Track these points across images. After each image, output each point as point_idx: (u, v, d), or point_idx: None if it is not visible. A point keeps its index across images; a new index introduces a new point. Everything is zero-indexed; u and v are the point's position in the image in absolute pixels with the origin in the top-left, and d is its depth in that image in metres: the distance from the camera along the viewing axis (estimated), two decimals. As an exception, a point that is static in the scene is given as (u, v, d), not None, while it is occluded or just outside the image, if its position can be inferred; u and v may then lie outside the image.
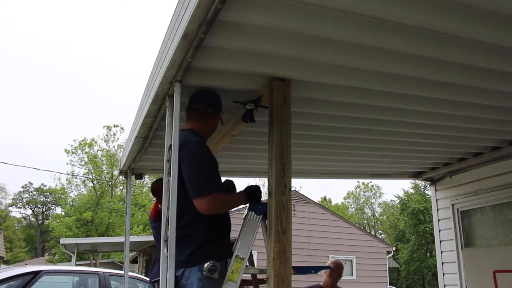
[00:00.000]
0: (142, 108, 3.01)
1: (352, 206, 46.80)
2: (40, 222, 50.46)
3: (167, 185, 2.19)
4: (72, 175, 28.56)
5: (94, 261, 21.23)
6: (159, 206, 3.32)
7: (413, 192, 30.76)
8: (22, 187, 51.03)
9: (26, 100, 71.55)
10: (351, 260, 16.64)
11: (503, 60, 2.35)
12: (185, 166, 2.27)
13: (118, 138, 28.24)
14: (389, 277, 18.13)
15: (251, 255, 2.50)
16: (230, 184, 2.68)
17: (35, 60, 73.69)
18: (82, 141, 27.50)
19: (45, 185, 48.46)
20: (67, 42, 74.10)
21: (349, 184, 54.53)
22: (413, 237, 29.30)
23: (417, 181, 23.15)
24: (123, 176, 4.64)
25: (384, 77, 2.51)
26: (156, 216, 3.28)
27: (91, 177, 27.93)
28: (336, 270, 4.16)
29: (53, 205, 49.80)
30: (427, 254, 28.02)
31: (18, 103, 72.46)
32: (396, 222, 33.75)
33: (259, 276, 2.82)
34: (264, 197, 2.39)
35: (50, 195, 47.98)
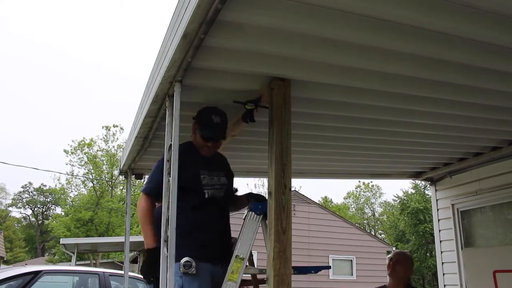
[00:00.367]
0: (142, 108, 3.01)
1: (352, 206, 46.82)
2: (40, 222, 50.45)
3: (167, 185, 2.20)
4: (72, 175, 28.60)
5: (94, 261, 21.22)
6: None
7: (413, 192, 30.75)
8: (22, 187, 51.03)
9: (26, 100, 71.55)
10: (351, 260, 16.64)
11: (503, 60, 2.35)
12: None
13: (117, 138, 28.29)
14: (389, 277, 18.11)
15: (251, 255, 2.51)
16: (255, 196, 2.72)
17: (35, 60, 73.69)
18: (81, 141, 27.52)
19: (45, 185, 48.48)
20: (67, 42, 74.12)
21: (349, 184, 54.53)
22: (413, 237, 29.29)
23: (417, 181, 23.15)
24: (123, 176, 4.64)
25: (384, 77, 2.51)
26: None
27: (91, 177, 27.94)
28: (396, 263, 3.14)
29: (53, 205, 49.85)
30: (427, 254, 28.00)
31: (18, 103, 72.50)
32: (396, 222, 33.74)
33: (259, 276, 2.82)
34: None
35: (50, 195, 47.97)
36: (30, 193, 50.86)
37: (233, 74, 2.44)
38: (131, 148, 3.58)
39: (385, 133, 3.56)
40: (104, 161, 27.98)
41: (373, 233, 38.79)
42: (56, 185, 35.15)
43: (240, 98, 2.56)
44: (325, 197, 44.73)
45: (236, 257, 2.32)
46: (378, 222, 45.64)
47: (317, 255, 15.25)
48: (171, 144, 2.23)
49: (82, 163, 27.54)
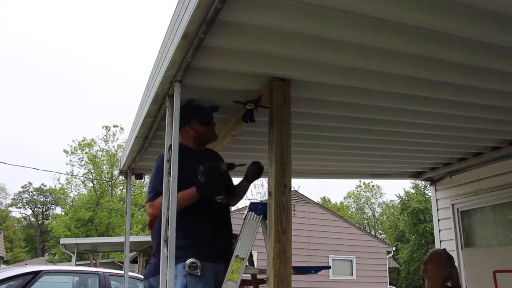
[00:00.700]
0: (142, 108, 3.01)
1: (353, 206, 46.82)
2: (40, 222, 50.46)
3: (167, 185, 2.20)
4: (72, 175, 28.58)
5: (94, 261, 21.22)
6: None
7: (413, 192, 30.76)
8: (22, 187, 51.10)
9: (26, 100, 71.64)
10: (351, 260, 16.64)
11: (503, 60, 2.35)
12: None
13: (117, 138, 28.28)
14: (389, 277, 18.13)
15: (251, 255, 2.51)
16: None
17: (35, 60, 73.77)
18: (82, 141, 27.51)
19: (45, 185, 48.50)
20: (67, 42, 74.21)
21: (349, 184, 54.55)
22: (413, 237, 29.32)
23: (417, 181, 23.15)
24: (123, 176, 4.64)
25: (384, 77, 2.51)
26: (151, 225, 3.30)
27: (91, 177, 27.94)
28: (427, 262, 2.97)
29: (53, 205, 49.85)
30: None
31: (18, 103, 72.55)
32: (396, 222, 33.76)
33: (259, 276, 2.82)
34: (264, 196, 2.40)
35: (50, 195, 47.97)
36: (30, 193, 50.91)
37: (233, 74, 2.44)
38: (131, 148, 3.58)
39: (385, 133, 3.55)
40: (104, 161, 27.96)
41: (373, 233, 38.79)
42: (56, 185, 35.17)
43: (240, 98, 2.56)
44: (324, 197, 44.72)
45: (236, 257, 2.32)
46: (378, 222, 45.63)
47: (317, 255, 15.26)
48: (171, 144, 2.23)
49: (82, 163, 27.54)
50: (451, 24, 2.01)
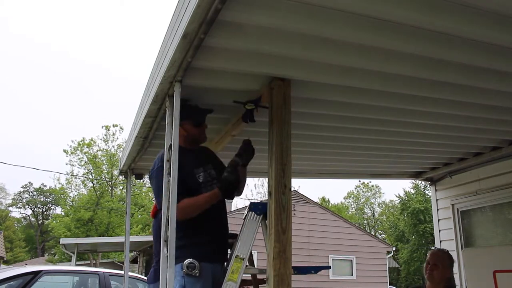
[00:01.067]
0: (142, 108, 3.01)
1: (352, 206, 46.80)
2: (40, 222, 50.45)
3: (167, 185, 2.20)
4: (71, 175, 28.58)
5: (94, 261, 21.22)
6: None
7: (413, 192, 30.75)
8: (22, 187, 51.11)
9: (26, 100, 71.64)
10: (351, 260, 16.64)
11: (503, 60, 2.35)
12: None
13: (117, 138, 28.27)
14: (389, 277, 18.13)
15: (251, 255, 2.51)
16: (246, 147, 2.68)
17: (35, 60, 73.76)
18: (81, 141, 27.50)
19: (45, 185, 48.51)
20: (67, 42, 74.18)
21: (349, 184, 54.53)
22: (413, 237, 29.32)
23: (417, 181, 23.15)
24: (123, 176, 4.64)
25: (384, 77, 2.51)
26: (155, 215, 3.29)
27: (91, 177, 27.93)
28: (435, 267, 2.95)
29: (53, 205, 49.85)
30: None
31: (18, 103, 72.52)
32: (396, 222, 33.75)
33: (259, 276, 2.82)
34: (264, 196, 2.40)
35: (50, 195, 47.97)
36: (30, 193, 50.91)
37: (233, 74, 2.44)
38: (131, 148, 3.58)
39: (385, 133, 3.55)
40: (104, 161, 27.95)
41: (373, 233, 38.78)
42: (56, 185, 35.16)
43: (240, 98, 2.56)
44: (323, 197, 44.68)
45: (236, 257, 2.32)
46: (378, 222, 45.62)
47: (317, 255, 15.25)
48: (171, 144, 2.23)
49: (82, 163, 27.53)
50: (451, 24, 2.01)
